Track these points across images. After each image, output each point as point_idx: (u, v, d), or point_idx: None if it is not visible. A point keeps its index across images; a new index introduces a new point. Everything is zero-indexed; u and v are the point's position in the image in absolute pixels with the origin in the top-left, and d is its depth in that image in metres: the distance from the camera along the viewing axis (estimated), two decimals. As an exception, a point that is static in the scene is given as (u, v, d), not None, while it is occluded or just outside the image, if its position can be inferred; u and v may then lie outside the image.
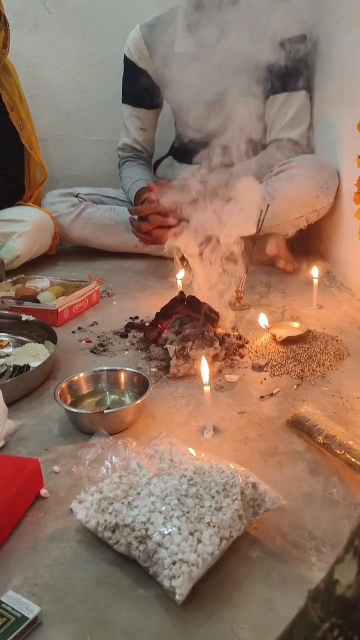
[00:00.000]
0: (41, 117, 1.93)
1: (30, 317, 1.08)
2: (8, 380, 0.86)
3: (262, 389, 0.89)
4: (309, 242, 1.61)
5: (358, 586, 0.30)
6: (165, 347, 0.96)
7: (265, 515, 0.57)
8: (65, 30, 2.00)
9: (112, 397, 0.85)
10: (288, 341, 1.02)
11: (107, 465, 0.63)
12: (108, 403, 0.83)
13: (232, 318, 1.08)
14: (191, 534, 0.51)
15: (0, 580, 0.53)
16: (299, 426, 0.75)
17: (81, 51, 2.02)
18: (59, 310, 1.16)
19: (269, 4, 1.40)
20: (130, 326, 1.14)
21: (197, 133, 1.45)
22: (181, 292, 1.07)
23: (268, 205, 1.29)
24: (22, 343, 1.05)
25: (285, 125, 1.54)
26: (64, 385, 0.82)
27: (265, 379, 0.92)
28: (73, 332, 1.14)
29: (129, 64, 1.69)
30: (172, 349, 0.93)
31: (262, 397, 0.86)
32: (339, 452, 0.67)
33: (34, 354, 0.97)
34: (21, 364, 0.94)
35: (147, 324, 1.09)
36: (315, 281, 1.22)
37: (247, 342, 1.04)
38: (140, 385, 0.84)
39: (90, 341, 1.09)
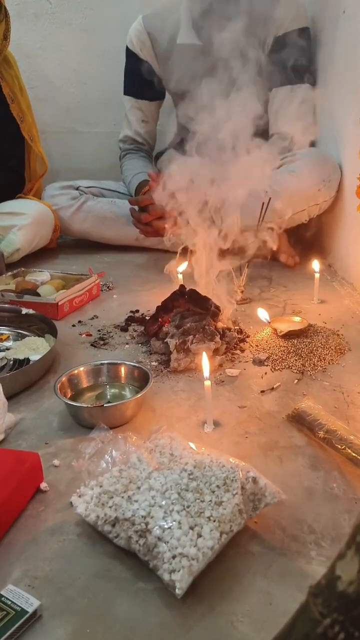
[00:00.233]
0: (42, 109, 1.91)
1: (31, 311, 1.08)
2: (8, 374, 0.86)
3: (263, 383, 0.88)
4: (311, 236, 1.60)
5: None
6: (165, 341, 0.95)
7: (266, 509, 0.57)
8: (66, 21, 1.98)
9: (113, 391, 0.85)
10: (289, 335, 1.01)
11: (107, 459, 0.63)
12: (108, 397, 0.83)
13: (232, 312, 1.08)
14: (191, 528, 0.51)
15: (0, 573, 0.53)
16: (299, 421, 0.75)
17: (82, 42, 2.00)
18: (59, 303, 1.16)
19: None
20: (130, 320, 1.14)
21: (198, 125, 1.44)
22: (182, 286, 1.07)
23: (270, 198, 1.28)
24: (22, 336, 1.04)
25: (288, 119, 1.53)
26: (64, 378, 0.82)
27: (266, 373, 0.92)
28: (73, 325, 1.14)
29: (131, 55, 1.67)
30: (172, 342, 0.93)
31: (262, 391, 0.86)
32: (339, 446, 0.67)
33: (34, 348, 0.97)
34: (21, 357, 0.94)
35: (147, 318, 1.09)
36: (317, 275, 1.21)
37: (248, 336, 1.04)
38: (140, 379, 0.84)
39: (90, 335, 1.09)
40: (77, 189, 1.72)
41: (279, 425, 0.77)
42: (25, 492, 0.62)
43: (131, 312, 1.19)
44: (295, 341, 1.00)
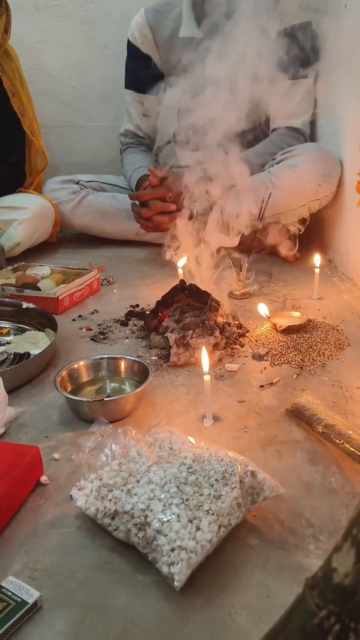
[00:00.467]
0: (42, 103, 1.91)
1: (31, 305, 1.08)
2: (8, 368, 0.86)
3: (262, 378, 0.89)
4: (311, 231, 1.60)
5: (355, 574, 0.30)
6: (165, 335, 0.96)
7: (264, 503, 0.58)
8: (67, 14, 1.97)
9: (112, 385, 0.85)
10: (288, 330, 1.02)
11: (106, 452, 0.63)
12: (108, 391, 0.84)
13: (232, 307, 1.08)
14: (190, 521, 0.52)
15: (0, 565, 0.54)
16: (298, 415, 0.75)
17: (83, 36, 1.99)
18: (60, 298, 1.16)
19: None
20: (130, 314, 1.14)
21: (200, 119, 1.44)
22: (182, 281, 1.07)
23: (270, 193, 1.28)
24: (23, 331, 1.05)
25: (289, 113, 1.52)
26: (64, 373, 0.82)
27: (265, 368, 0.92)
28: (73, 320, 1.14)
29: (132, 49, 1.66)
30: (172, 337, 0.93)
31: (262, 386, 0.86)
32: (338, 441, 0.68)
33: (35, 342, 0.97)
34: (21, 351, 0.94)
35: (147, 312, 1.09)
36: (317, 270, 1.21)
37: (247, 331, 1.04)
38: (140, 374, 0.84)
39: (90, 329, 1.09)
40: (77, 183, 1.72)
41: (278, 419, 0.77)
42: (26, 485, 0.63)
43: (131, 306, 1.19)
44: (295, 336, 1.00)
